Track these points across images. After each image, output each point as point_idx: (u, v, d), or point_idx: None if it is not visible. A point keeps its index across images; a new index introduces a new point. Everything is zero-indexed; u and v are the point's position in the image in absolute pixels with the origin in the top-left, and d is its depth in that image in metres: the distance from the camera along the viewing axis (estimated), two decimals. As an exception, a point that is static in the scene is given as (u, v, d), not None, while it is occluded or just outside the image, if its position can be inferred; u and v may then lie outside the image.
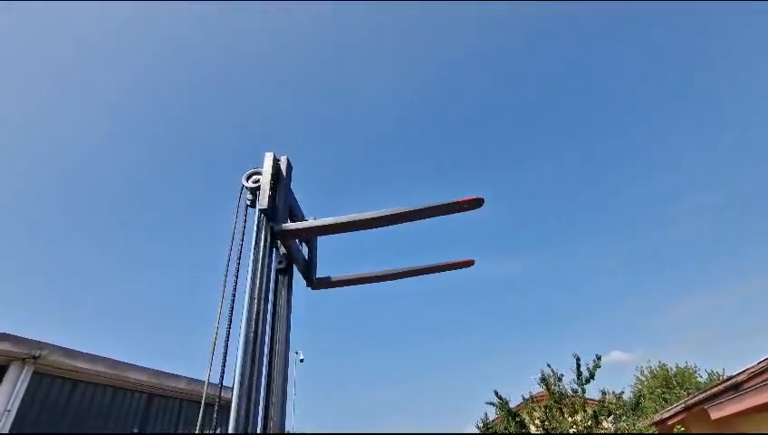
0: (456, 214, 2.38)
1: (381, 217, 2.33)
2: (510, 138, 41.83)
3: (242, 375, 1.86)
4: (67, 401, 7.80)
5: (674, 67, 34.86)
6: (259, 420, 2.02)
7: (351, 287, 3.03)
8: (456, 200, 2.29)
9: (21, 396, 6.91)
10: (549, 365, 12.08)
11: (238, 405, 1.79)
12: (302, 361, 22.53)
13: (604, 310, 44.37)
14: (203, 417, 2.04)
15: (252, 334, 1.99)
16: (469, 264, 2.96)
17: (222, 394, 2.04)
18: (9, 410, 6.68)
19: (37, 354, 7.11)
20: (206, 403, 2.23)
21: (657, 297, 43.72)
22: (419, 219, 2.37)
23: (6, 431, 6.58)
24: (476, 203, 2.29)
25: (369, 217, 2.33)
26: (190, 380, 9.87)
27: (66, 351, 7.64)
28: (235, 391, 1.83)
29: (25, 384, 7.02)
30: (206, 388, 2.25)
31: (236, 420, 1.76)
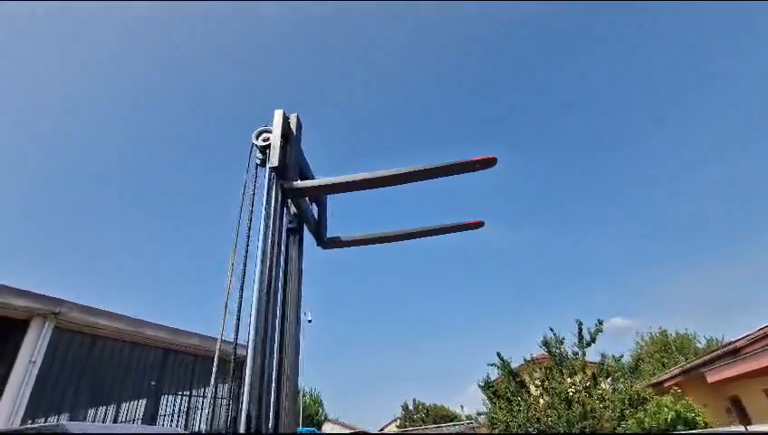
0: (466, 175, 2.29)
1: (393, 175, 2.27)
2: (536, 109, 40.62)
3: (256, 330, 1.89)
4: (88, 354, 8.19)
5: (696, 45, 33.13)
6: (273, 374, 2.04)
7: (364, 253, 3.03)
8: (469, 160, 2.23)
9: (44, 349, 7.26)
10: (551, 329, 12.36)
11: (253, 359, 1.83)
12: (309, 321, 23.23)
13: (608, 278, 44.72)
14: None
15: (265, 290, 2.00)
16: (479, 225, 2.90)
17: (237, 351, 2.08)
18: (35, 362, 7.05)
19: (57, 311, 7.40)
20: (220, 359, 2.29)
21: (661, 267, 43.87)
22: (432, 178, 2.30)
23: (33, 380, 6.97)
24: (489, 163, 2.22)
25: (380, 175, 2.28)
26: (203, 337, 10.27)
27: (85, 308, 7.93)
28: (250, 346, 1.85)
29: (47, 338, 7.35)
30: (218, 343, 2.29)
31: (252, 374, 1.79)
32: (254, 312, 1.93)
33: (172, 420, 9.63)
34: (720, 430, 8.31)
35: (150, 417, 9.23)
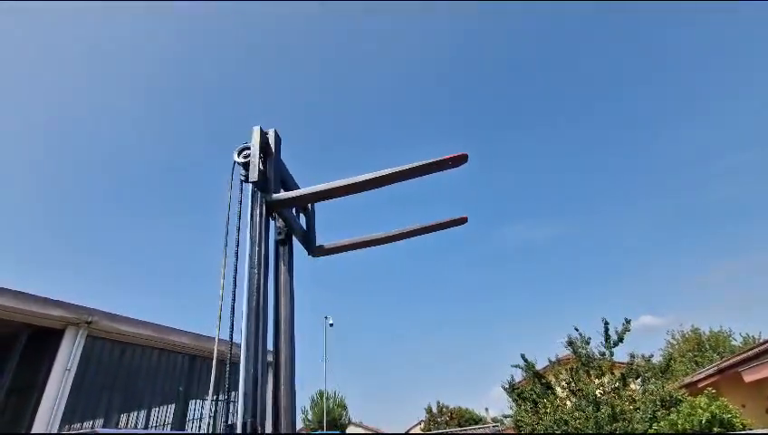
0: (443, 172, 2.33)
1: (370, 180, 2.32)
2: (538, 95, 40.07)
3: (247, 344, 1.98)
4: (119, 361, 8.48)
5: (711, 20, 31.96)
6: (269, 384, 2.13)
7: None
8: (441, 158, 2.26)
9: (78, 357, 7.56)
10: (576, 329, 12.08)
11: (246, 370, 1.92)
12: (331, 325, 23.39)
13: (636, 274, 43.42)
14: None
15: (254, 304, 2.08)
16: (462, 221, 2.95)
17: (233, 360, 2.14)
18: (69, 369, 7.35)
19: (89, 320, 7.70)
20: (221, 362, 2.37)
21: (693, 260, 42.26)
22: (407, 179, 2.35)
23: (69, 387, 7.26)
24: (461, 160, 2.26)
25: (357, 181, 2.34)
26: (228, 342, 10.46)
27: (114, 316, 8.22)
28: (242, 359, 1.95)
29: (81, 346, 7.66)
30: (214, 360, 2.36)
31: (245, 383, 1.89)
32: (244, 324, 2.03)
33: (200, 425, 9.86)
34: (760, 431, 7.95)
35: (179, 422, 9.47)
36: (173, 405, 9.61)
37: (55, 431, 6.82)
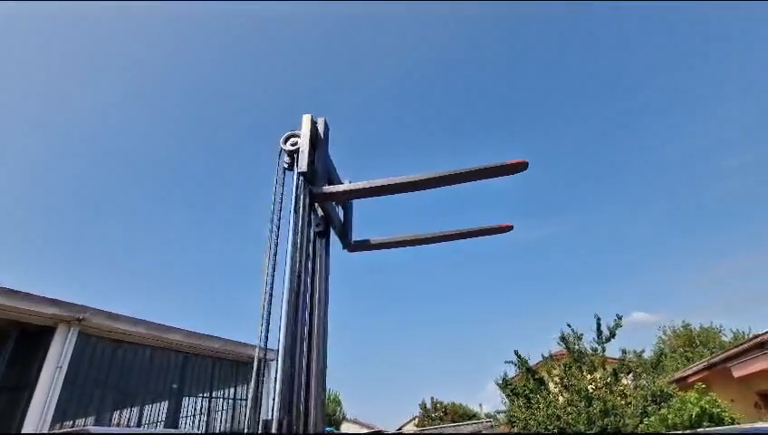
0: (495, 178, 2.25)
1: (422, 180, 2.23)
2: (538, 94, 40.15)
3: (285, 335, 1.92)
4: (111, 358, 8.42)
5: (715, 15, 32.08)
6: (302, 376, 2.07)
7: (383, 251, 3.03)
8: (501, 163, 2.18)
9: (70, 355, 7.49)
10: (569, 325, 12.20)
11: (284, 362, 1.87)
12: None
13: (631, 272, 43.76)
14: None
15: (294, 295, 2.03)
16: (508, 229, 2.89)
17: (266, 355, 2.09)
18: (61, 367, 7.28)
19: (81, 317, 7.63)
20: (249, 362, 2.29)
21: (691, 259, 42.63)
22: (462, 183, 2.26)
23: (60, 385, 7.20)
24: (521, 166, 2.19)
25: (409, 180, 2.25)
26: (225, 340, 10.43)
27: (108, 314, 8.15)
28: (279, 351, 1.89)
29: (73, 344, 7.59)
30: (258, 347, 2.29)
31: (282, 378, 1.84)
32: (283, 317, 1.96)
33: (194, 422, 9.83)
34: (746, 426, 8.07)
35: (172, 419, 9.43)
36: (166, 402, 9.57)
37: (47, 430, 6.76)
